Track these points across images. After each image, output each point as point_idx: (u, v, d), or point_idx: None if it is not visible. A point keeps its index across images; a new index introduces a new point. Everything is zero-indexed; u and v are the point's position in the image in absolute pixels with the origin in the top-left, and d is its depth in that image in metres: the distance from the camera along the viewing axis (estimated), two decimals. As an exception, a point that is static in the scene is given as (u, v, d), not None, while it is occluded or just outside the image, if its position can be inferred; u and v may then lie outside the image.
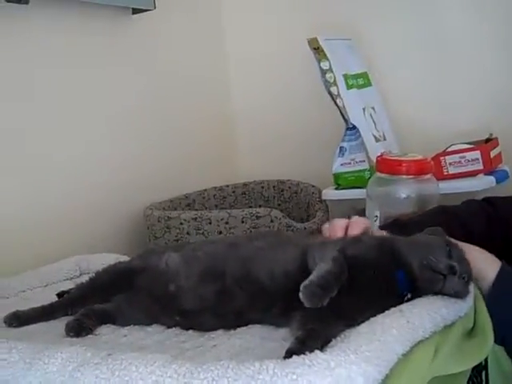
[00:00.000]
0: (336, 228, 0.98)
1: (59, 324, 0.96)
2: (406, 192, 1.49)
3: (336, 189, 1.91)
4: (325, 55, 1.85)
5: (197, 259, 0.96)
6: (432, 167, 1.54)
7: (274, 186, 2.18)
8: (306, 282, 0.77)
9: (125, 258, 1.23)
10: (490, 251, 0.97)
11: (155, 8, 1.89)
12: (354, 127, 1.85)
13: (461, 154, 1.72)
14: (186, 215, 1.73)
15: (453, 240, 0.90)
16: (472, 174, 1.72)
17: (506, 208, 1.18)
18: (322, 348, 0.71)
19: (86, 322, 0.94)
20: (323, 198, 1.93)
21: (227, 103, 2.35)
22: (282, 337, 0.83)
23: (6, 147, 1.52)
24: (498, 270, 0.93)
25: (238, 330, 0.88)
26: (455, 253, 0.86)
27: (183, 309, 0.92)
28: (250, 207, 2.12)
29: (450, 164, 1.73)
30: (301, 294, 0.75)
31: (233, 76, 2.35)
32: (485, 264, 0.92)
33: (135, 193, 1.90)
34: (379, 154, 1.62)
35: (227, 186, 2.17)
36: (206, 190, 2.12)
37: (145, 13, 1.89)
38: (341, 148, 1.88)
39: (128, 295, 0.98)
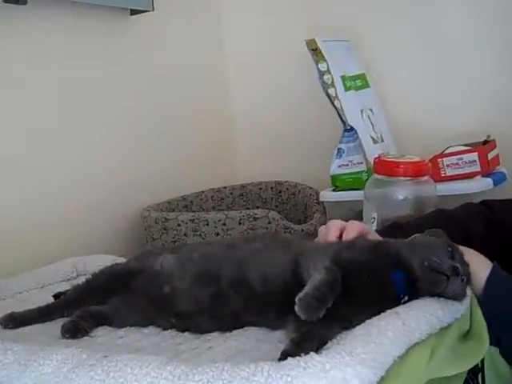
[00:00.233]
0: (331, 230, 0.98)
1: (55, 326, 0.96)
2: (403, 194, 1.50)
3: (334, 190, 1.91)
4: (323, 57, 1.85)
5: (192, 261, 0.96)
6: (429, 169, 1.54)
7: (271, 188, 2.18)
8: (301, 294, 0.76)
9: (121, 260, 1.23)
10: (488, 254, 0.98)
11: (153, 9, 1.89)
12: (352, 129, 1.85)
13: (458, 156, 1.72)
14: (184, 217, 1.73)
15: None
16: (469, 176, 1.72)
17: (503, 210, 1.18)
18: (317, 350, 0.71)
19: (81, 323, 0.94)
20: (321, 199, 1.93)
21: (225, 104, 2.35)
22: (278, 339, 0.83)
23: (4, 148, 1.52)
24: (489, 272, 0.93)
25: (234, 332, 0.88)
26: (457, 254, 0.86)
27: (179, 311, 0.92)
28: (248, 209, 2.11)
29: (448, 166, 1.73)
30: (296, 307, 0.75)
31: (231, 77, 2.35)
32: (478, 267, 0.92)
33: (133, 194, 1.89)
34: (377, 156, 1.62)
35: (225, 187, 2.17)
36: (203, 191, 2.11)
37: (143, 14, 1.89)
38: (338, 150, 1.88)
39: (124, 297, 0.98)
